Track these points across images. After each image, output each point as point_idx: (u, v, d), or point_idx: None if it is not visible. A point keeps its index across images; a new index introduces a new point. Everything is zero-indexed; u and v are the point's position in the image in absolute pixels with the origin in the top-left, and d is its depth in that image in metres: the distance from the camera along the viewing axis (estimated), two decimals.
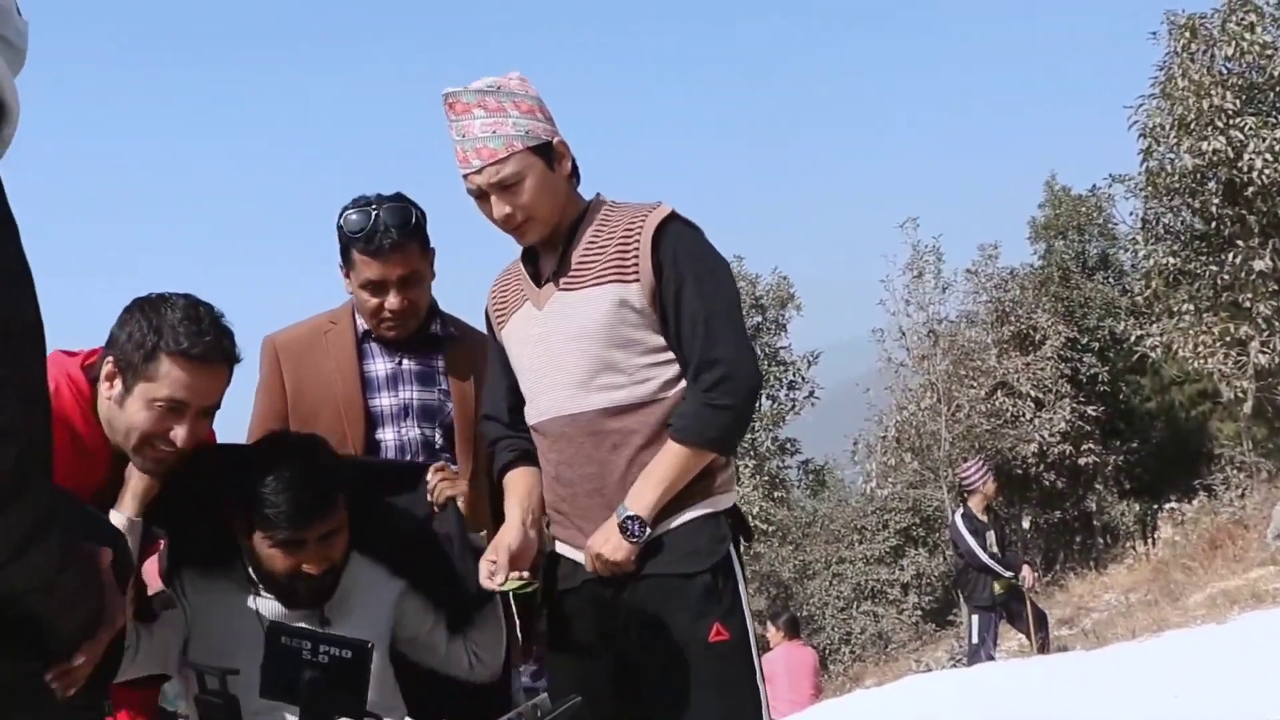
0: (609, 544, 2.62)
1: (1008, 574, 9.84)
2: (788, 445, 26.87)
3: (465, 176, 2.69)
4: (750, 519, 21.87)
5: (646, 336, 2.67)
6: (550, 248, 2.77)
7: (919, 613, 23.27)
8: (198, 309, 2.51)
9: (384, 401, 3.18)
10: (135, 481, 2.52)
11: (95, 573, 1.70)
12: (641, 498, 2.61)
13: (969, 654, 10.17)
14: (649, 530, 2.60)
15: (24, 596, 1.54)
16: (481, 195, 2.69)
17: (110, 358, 2.48)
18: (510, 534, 2.67)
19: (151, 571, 2.53)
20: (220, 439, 2.78)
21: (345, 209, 3.12)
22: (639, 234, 2.67)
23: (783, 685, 9.12)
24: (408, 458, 3.12)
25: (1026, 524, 24.41)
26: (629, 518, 2.60)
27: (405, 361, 3.23)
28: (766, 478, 25.10)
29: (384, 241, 3.05)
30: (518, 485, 2.82)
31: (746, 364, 2.67)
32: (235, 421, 2.75)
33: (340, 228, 3.11)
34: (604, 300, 2.66)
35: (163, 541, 2.57)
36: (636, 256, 2.66)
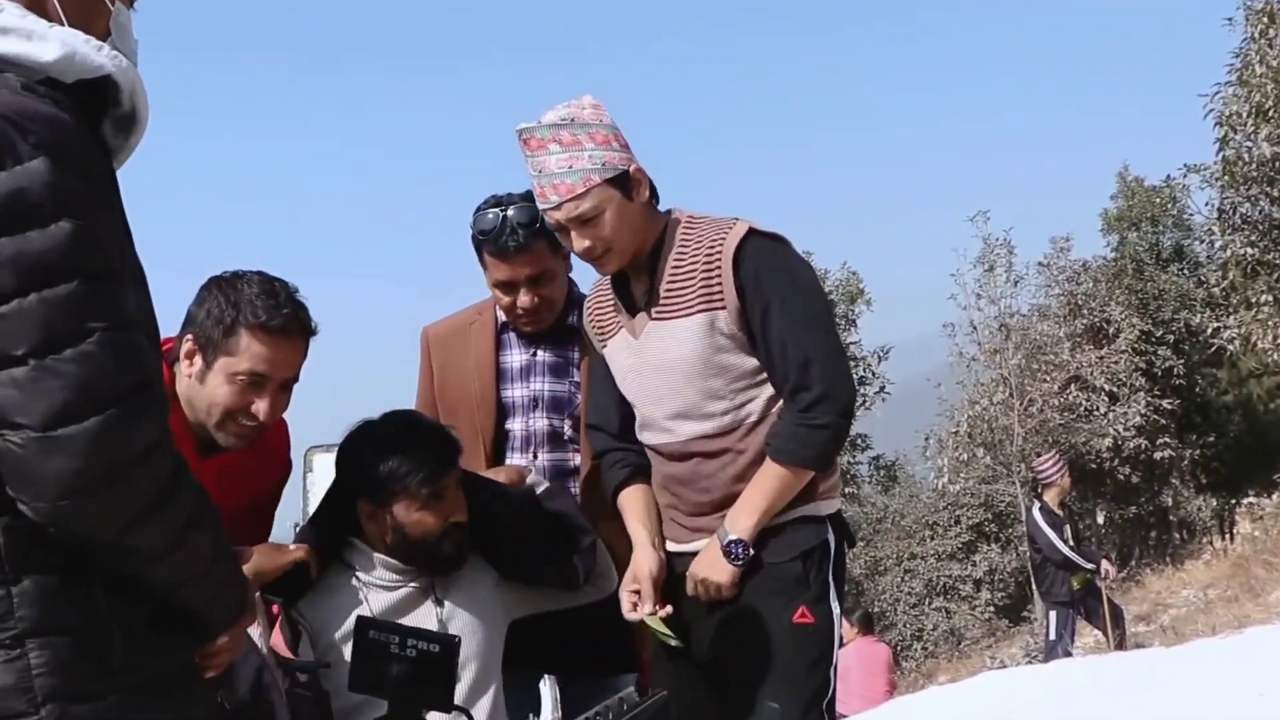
0: (714, 568, 2.67)
1: (1089, 567, 9.72)
2: (858, 441, 26.68)
3: (544, 211, 2.71)
4: None
5: (742, 360, 2.69)
6: (637, 272, 2.79)
7: (992, 609, 23.04)
8: (273, 284, 2.56)
9: (515, 393, 3.23)
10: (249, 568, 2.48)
11: (239, 567, 1.78)
12: (742, 520, 2.65)
13: (1046, 650, 10.06)
14: (751, 551, 2.65)
15: (182, 586, 1.63)
16: (561, 228, 2.71)
17: (189, 335, 2.52)
18: (648, 562, 2.76)
19: (278, 644, 2.54)
20: (292, 416, 2.78)
21: (477, 209, 3.15)
22: (719, 257, 2.66)
23: (856, 681, 9.06)
24: (532, 449, 3.18)
25: (1101, 519, 24.10)
26: (732, 542, 2.64)
27: (540, 353, 3.26)
28: None
29: (510, 243, 3.06)
30: (636, 506, 2.88)
31: (840, 380, 2.67)
32: (306, 396, 2.76)
33: (472, 228, 3.14)
34: (696, 330, 2.68)
35: (277, 608, 2.59)
36: (720, 281, 2.65)
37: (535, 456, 3.20)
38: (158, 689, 1.62)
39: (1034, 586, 13.65)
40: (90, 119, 1.63)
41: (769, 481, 2.65)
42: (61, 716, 1.50)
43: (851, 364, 25.30)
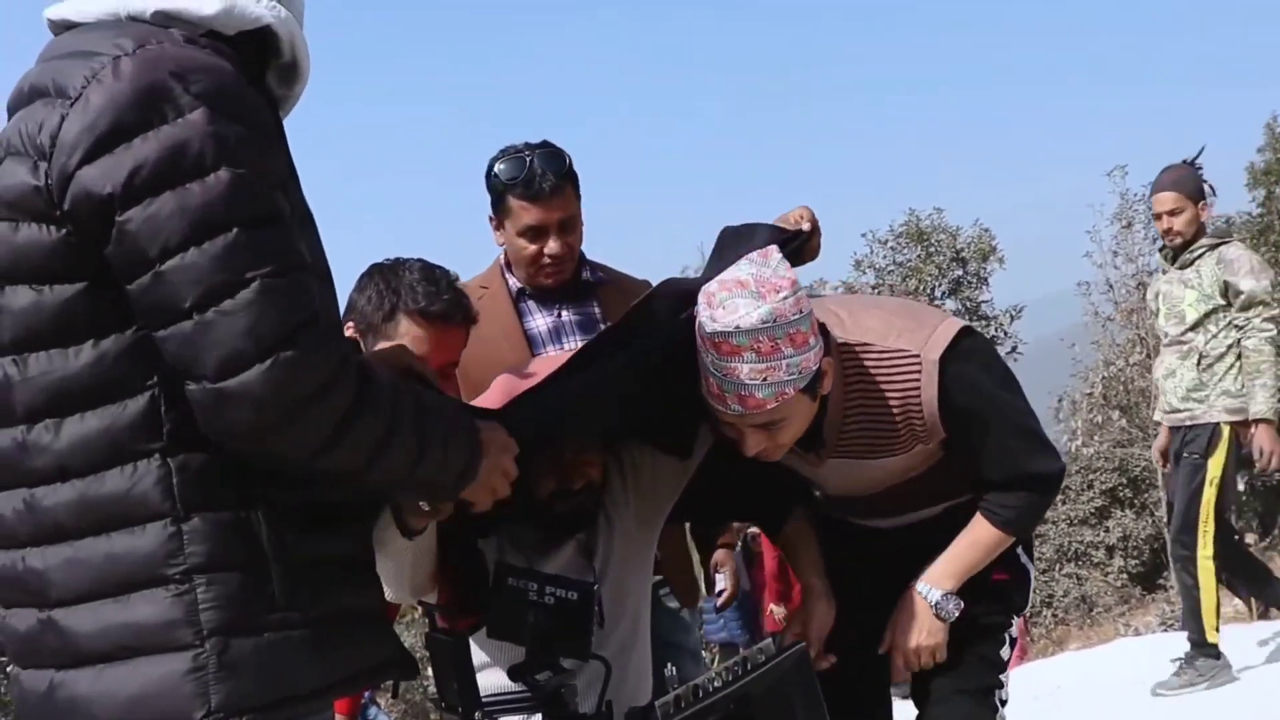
0: (925, 632, 2.58)
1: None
2: None
3: (718, 413, 2.39)
4: None
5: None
6: None
7: (1125, 576, 22.53)
8: (434, 271, 2.59)
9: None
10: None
11: (451, 435, 1.76)
12: (948, 581, 2.58)
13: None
14: (963, 604, 2.59)
15: (393, 488, 1.78)
16: (726, 424, 2.43)
17: (350, 322, 2.55)
18: (823, 615, 2.68)
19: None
20: None
21: (495, 160, 3.11)
22: (918, 404, 2.45)
23: None
24: None
25: (1242, 485, 23.39)
26: (944, 597, 2.57)
27: (564, 313, 3.23)
28: None
29: (543, 185, 3.04)
30: (809, 545, 2.78)
31: (1055, 459, 2.58)
32: None
33: (494, 177, 3.10)
34: (900, 462, 2.56)
35: None
36: (924, 424, 2.47)
37: None
38: (319, 630, 1.65)
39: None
40: (255, 70, 1.69)
41: (985, 548, 2.57)
42: (224, 650, 1.55)
43: (983, 323, 25.13)
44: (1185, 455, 5.80)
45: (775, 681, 2.17)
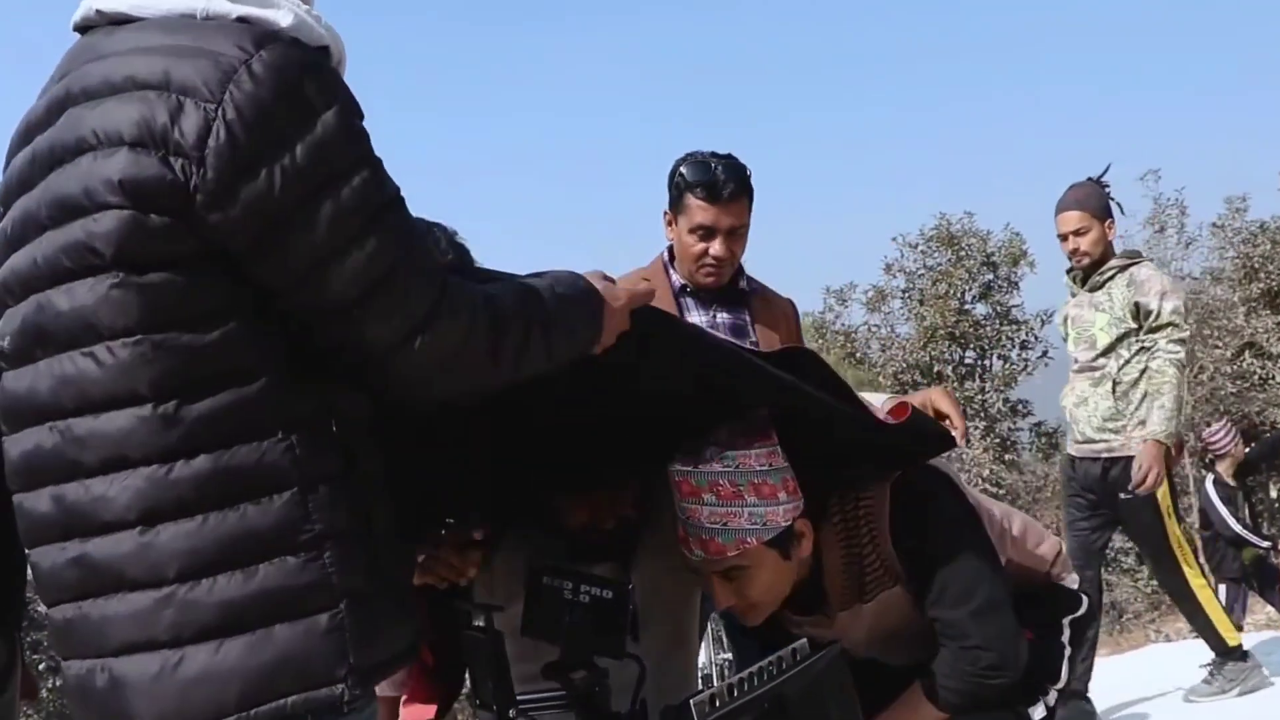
0: None
1: (1264, 545, 9.35)
2: (1019, 407, 26.06)
3: (680, 549, 2.37)
4: (981, 482, 20.54)
5: None
6: None
7: (1155, 582, 22.35)
8: (433, 229, 2.73)
9: None
10: None
11: (576, 311, 1.84)
12: None
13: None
14: None
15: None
16: (699, 571, 2.39)
17: None
18: None
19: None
20: None
21: (681, 162, 3.37)
22: (892, 564, 2.37)
23: None
24: None
25: (1275, 493, 23.19)
26: None
27: (719, 315, 3.45)
28: (997, 440, 24.44)
29: (724, 190, 3.30)
30: None
31: (1017, 653, 2.36)
32: None
33: (680, 174, 3.36)
34: (894, 594, 2.42)
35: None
36: (898, 577, 2.38)
37: None
38: (396, 596, 1.73)
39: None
40: None
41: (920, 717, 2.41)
42: (354, 610, 1.62)
43: (1013, 328, 24.97)
44: (1124, 496, 5.55)
45: (810, 682, 2.17)
